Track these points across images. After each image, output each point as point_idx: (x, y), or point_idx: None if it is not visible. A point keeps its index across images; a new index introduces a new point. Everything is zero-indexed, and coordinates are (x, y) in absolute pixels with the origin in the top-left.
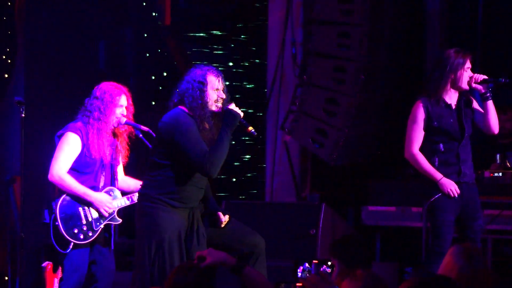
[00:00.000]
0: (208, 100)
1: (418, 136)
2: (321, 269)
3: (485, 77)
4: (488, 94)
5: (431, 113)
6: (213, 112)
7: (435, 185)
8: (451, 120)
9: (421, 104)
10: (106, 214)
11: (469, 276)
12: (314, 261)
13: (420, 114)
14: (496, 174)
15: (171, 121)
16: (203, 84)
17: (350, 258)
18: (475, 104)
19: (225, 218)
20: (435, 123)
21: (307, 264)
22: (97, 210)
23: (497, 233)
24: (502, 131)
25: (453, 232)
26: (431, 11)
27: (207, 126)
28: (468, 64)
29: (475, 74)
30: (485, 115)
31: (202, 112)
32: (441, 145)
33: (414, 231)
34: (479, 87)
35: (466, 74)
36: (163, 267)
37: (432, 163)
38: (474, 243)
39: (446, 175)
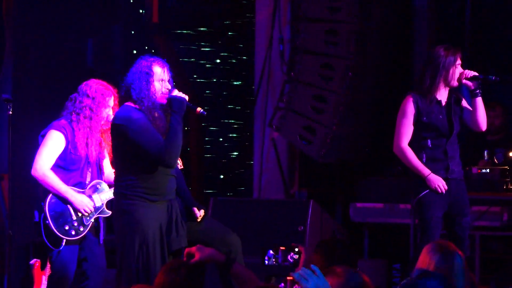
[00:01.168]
0: (155, 90)
1: (407, 130)
2: (288, 256)
3: (476, 73)
4: (478, 91)
5: (421, 108)
6: (161, 103)
7: (423, 182)
8: (440, 117)
9: (411, 99)
10: (86, 214)
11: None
12: (281, 247)
13: (410, 109)
14: (484, 171)
15: (121, 121)
16: (149, 75)
17: (335, 261)
18: (464, 102)
19: (200, 213)
20: (425, 118)
21: (271, 251)
22: (78, 210)
23: (485, 229)
24: (490, 128)
25: (441, 228)
26: (419, 8)
27: (156, 115)
28: (459, 61)
29: (466, 70)
30: (473, 111)
31: (150, 103)
32: (429, 141)
33: (402, 227)
34: (469, 83)
35: (457, 71)
36: (147, 263)
37: (420, 159)
38: (462, 239)
39: (434, 171)
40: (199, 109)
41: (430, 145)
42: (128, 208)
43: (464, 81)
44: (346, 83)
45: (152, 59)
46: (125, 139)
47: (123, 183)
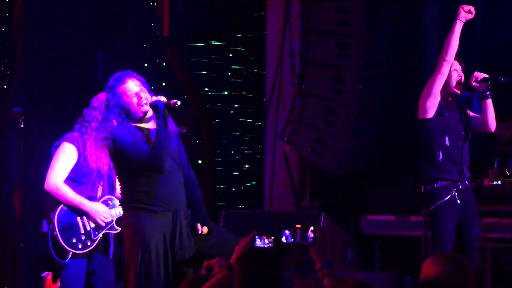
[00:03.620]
0: (129, 106)
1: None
2: (308, 234)
3: (486, 75)
4: (488, 93)
5: (441, 105)
6: (141, 115)
7: (436, 193)
8: (455, 120)
9: None
10: (103, 224)
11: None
12: (297, 225)
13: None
14: (495, 183)
15: (105, 140)
16: (118, 97)
17: (254, 275)
18: (469, 112)
19: (202, 229)
20: (447, 114)
21: (287, 231)
22: (94, 220)
23: (496, 241)
24: (501, 139)
25: (453, 240)
26: (429, 20)
27: (147, 130)
28: (454, 66)
29: (476, 72)
30: (484, 113)
31: (127, 119)
32: (447, 139)
33: (413, 239)
34: (479, 85)
35: (455, 75)
36: (149, 273)
37: (436, 158)
38: (472, 250)
39: (448, 172)
40: (172, 100)
41: (448, 144)
42: (132, 219)
43: (474, 83)
44: (356, 96)
45: (114, 78)
46: (114, 155)
47: (125, 196)
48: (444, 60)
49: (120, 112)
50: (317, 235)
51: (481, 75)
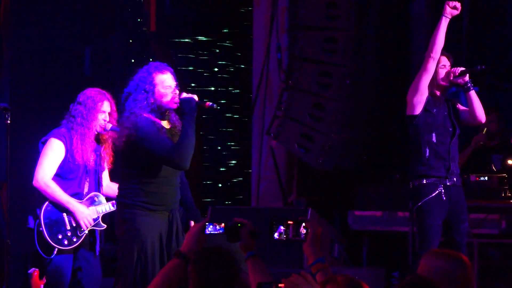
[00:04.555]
0: (160, 98)
1: None
2: (300, 230)
3: (463, 68)
4: (469, 85)
5: (429, 101)
6: (170, 108)
7: (422, 189)
8: (443, 116)
9: None
10: (84, 228)
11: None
12: (289, 222)
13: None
14: (482, 178)
15: (127, 128)
16: (151, 83)
17: (210, 275)
18: (458, 105)
19: None
20: (435, 110)
21: (282, 227)
22: (77, 221)
23: (483, 237)
24: (487, 133)
25: (440, 236)
26: (417, 15)
27: (168, 125)
28: (443, 62)
29: (453, 68)
30: (470, 105)
31: (159, 113)
32: (434, 136)
33: (400, 235)
34: (459, 80)
35: (442, 71)
36: (145, 271)
37: (423, 154)
38: (460, 246)
39: (435, 169)
40: (208, 103)
41: (435, 140)
42: (128, 216)
43: (453, 79)
44: (344, 91)
45: (155, 66)
46: (131, 145)
47: (124, 191)
48: (430, 56)
49: (147, 98)
50: (309, 230)
51: (458, 69)
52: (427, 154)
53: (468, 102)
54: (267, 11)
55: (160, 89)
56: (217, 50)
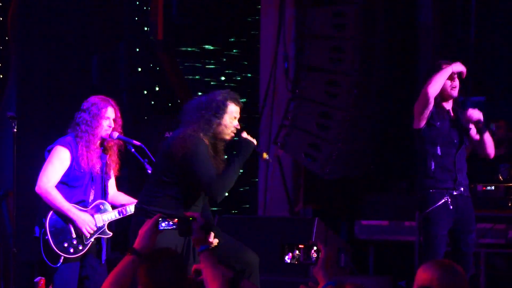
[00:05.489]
0: (223, 126)
1: None
2: (311, 253)
3: (480, 117)
4: (483, 128)
5: (433, 114)
6: (224, 138)
7: (429, 198)
8: (448, 128)
9: None
10: (87, 235)
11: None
12: (300, 245)
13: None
14: (488, 188)
15: (184, 140)
16: (222, 110)
17: (158, 275)
18: (472, 132)
19: (213, 242)
20: (438, 123)
21: (297, 252)
22: (79, 229)
23: (490, 247)
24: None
25: (445, 246)
26: (424, 24)
27: (217, 152)
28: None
29: (470, 111)
30: (482, 144)
31: (212, 139)
32: (439, 149)
33: (407, 245)
34: (474, 123)
35: (449, 83)
36: None
37: (428, 167)
38: (467, 257)
39: (442, 181)
40: (265, 155)
41: (440, 153)
42: None
43: (470, 125)
44: (351, 100)
45: (230, 94)
46: (181, 157)
47: (151, 198)
48: (427, 92)
49: (211, 122)
50: (320, 254)
51: (475, 117)
52: (432, 167)
53: (480, 141)
54: (274, 20)
55: (227, 118)
56: (224, 59)
